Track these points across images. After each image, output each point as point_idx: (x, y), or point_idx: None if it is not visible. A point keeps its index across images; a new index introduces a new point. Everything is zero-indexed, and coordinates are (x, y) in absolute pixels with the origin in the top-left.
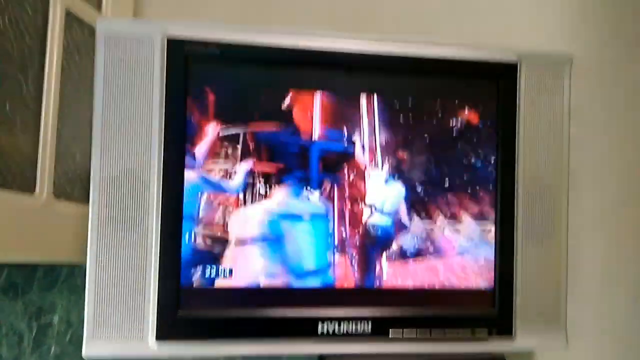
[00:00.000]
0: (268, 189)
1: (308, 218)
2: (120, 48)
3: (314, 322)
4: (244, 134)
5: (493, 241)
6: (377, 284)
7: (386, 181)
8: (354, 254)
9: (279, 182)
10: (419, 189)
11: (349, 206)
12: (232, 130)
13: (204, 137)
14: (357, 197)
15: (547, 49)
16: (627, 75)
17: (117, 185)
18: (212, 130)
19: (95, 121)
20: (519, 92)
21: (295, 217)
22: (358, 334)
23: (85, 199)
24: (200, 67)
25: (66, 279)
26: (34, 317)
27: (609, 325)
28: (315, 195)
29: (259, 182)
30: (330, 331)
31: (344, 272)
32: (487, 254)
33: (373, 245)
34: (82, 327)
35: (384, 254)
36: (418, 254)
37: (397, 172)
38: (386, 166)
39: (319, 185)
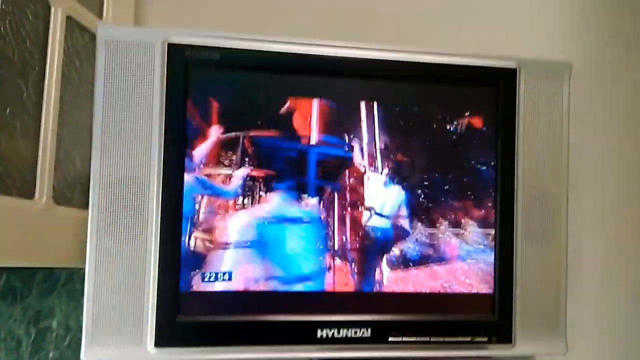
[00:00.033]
0: (266, 194)
1: (306, 222)
2: (120, 53)
3: (313, 327)
4: (243, 139)
5: (493, 246)
6: (377, 289)
7: (385, 185)
8: (353, 259)
9: (277, 186)
10: (419, 194)
11: (348, 211)
12: (231, 135)
13: (203, 142)
14: (356, 202)
15: (547, 56)
16: (627, 78)
17: (116, 190)
18: (211, 135)
19: (95, 126)
20: (518, 98)
21: (294, 222)
22: (357, 339)
23: (84, 204)
24: (200, 72)
25: (65, 283)
26: (33, 322)
27: (609, 326)
28: (313, 200)
29: (257, 186)
30: (330, 336)
31: (344, 277)
32: (487, 259)
33: (372, 250)
34: (81, 332)
35: (384, 259)
36: (418, 259)
37: (397, 177)
38: (385, 171)
39: (318, 190)
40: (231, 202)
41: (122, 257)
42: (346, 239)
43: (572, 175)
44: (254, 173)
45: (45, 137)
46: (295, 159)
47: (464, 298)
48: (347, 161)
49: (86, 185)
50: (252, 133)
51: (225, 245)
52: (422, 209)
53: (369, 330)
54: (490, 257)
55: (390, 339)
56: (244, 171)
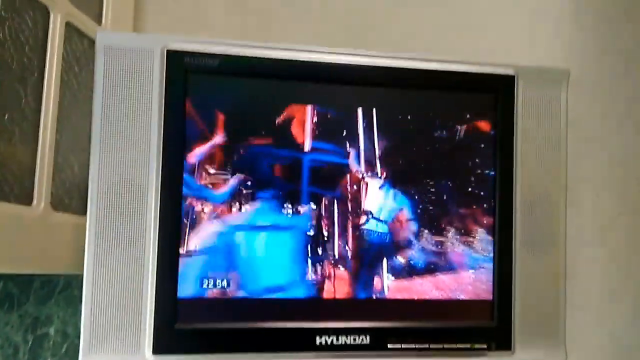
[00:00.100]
0: (259, 201)
1: (301, 229)
2: (119, 60)
3: (311, 334)
4: (241, 146)
5: (492, 254)
6: (376, 296)
7: (383, 192)
8: (351, 266)
9: (272, 194)
10: (417, 200)
11: (345, 218)
12: (229, 142)
13: (201, 148)
14: (354, 209)
15: (544, 64)
16: (624, 87)
17: (115, 196)
18: (209, 141)
19: (94, 132)
20: (516, 106)
21: (288, 229)
22: (356, 346)
23: (82, 210)
24: (199, 79)
25: (63, 290)
26: (30, 329)
27: (608, 335)
28: (309, 207)
29: (250, 193)
30: (328, 343)
31: (342, 284)
32: (486, 266)
33: (371, 256)
34: (79, 339)
35: (383, 266)
36: (418, 266)
37: (395, 184)
38: (383, 178)
39: (314, 197)
40: (224, 209)
41: (120, 264)
42: (344, 245)
43: (571, 184)
44: (249, 180)
45: (44, 143)
46: (291, 166)
47: (463, 304)
48: (344, 168)
49: (84, 191)
50: (250, 140)
51: (222, 252)
52: (420, 216)
53: (368, 337)
54: (490, 265)
55: (389, 345)
56: (238, 178)
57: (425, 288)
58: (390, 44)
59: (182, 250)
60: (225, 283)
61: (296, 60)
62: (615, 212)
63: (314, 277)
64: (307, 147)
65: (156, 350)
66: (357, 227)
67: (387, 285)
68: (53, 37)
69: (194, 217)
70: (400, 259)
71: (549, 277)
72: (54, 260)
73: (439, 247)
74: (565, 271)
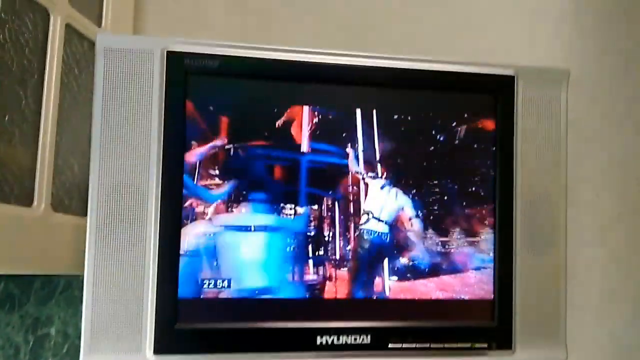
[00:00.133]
0: (256, 202)
1: (303, 230)
2: (120, 61)
3: (312, 334)
4: (241, 146)
5: (492, 254)
6: (376, 295)
7: (384, 193)
8: (352, 266)
9: (274, 194)
10: (417, 201)
11: (346, 219)
12: (229, 143)
13: (201, 149)
14: (354, 209)
15: (544, 64)
16: (624, 88)
17: (115, 197)
18: (209, 142)
19: (94, 133)
20: (516, 106)
21: (290, 229)
22: (357, 346)
23: (83, 211)
24: (199, 80)
25: (64, 290)
26: (31, 329)
27: (608, 335)
28: (311, 207)
29: (253, 193)
30: (329, 343)
31: (343, 284)
32: (487, 266)
33: (372, 257)
34: (80, 340)
35: (384, 266)
36: (418, 266)
37: (395, 184)
38: (383, 179)
39: (315, 198)
40: (224, 210)
41: (121, 264)
42: (344, 246)
43: (571, 184)
44: (249, 181)
45: (44, 145)
46: (291, 167)
47: (464, 304)
48: (343, 169)
49: (85, 192)
50: (250, 141)
51: (222, 252)
52: (420, 216)
53: (369, 336)
54: (490, 265)
55: (390, 345)
56: (237, 179)
57: (425, 288)
58: (390, 44)
59: (182, 251)
60: (225, 283)
61: (296, 62)
62: (615, 212)
63: (314, 277)
64: (307, 148)
65: (157, 350)
66: (357, 227)
67: (387, 285)
68: (53, 39)
69: (194, 218)
70: (401, 259)
71: (550, 276)
72: (55, 261)
73: (440, 247)
74: (565, 270)
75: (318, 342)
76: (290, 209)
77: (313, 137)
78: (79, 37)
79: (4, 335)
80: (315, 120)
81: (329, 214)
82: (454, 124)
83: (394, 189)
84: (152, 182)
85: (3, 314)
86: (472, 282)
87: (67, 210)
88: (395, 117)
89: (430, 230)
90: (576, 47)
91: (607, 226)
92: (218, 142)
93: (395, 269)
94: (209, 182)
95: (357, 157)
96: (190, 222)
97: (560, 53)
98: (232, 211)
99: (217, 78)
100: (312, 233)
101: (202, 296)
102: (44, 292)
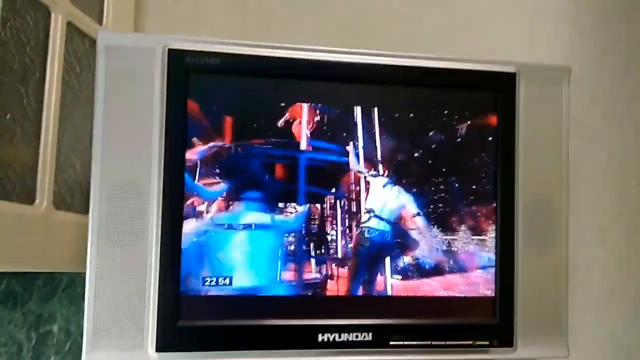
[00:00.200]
0: (264, 199)
1: (305, 228)
2: (121, 59)
3: (314, 331)
4: (242, 144)
5: (494, 252)
6: (378, 293)
7: (386, 191)
8: (354, 264)
9: (276, 192)
10: (419, 199)
11: (347, 217)
12: (230, 140)
13: (202, 147)
14: (356, 208)
15: (545, 62)
16: (625, 87)
17: (117, 194)
18: (210, 139)
19: (95, 131)
20: (517, 103)
21: (292, 227)
22: (358, 343)
23: (85, 208)
24: (200, 78)
25: (66, 288)
26: (34, 327)
27: (608, 335)
28: (312, 205)
29: (255, 191)
30: (331, 340)
31: (344, 282)
32: (489, 264)
33: (373, 255)
34: (82, 337)
35: (385, 264)
36: (420, 263)
37: (396, 182)
38: (385, 176)
39: (316, 196)
40: (225, 207)
41: (123, 262)
42: (346, 243)
43: (571, 184)
44: (250, 179)
45: (46, 143)
46: (291, 165)
47: (465, 301)
48: (344, 166)
49: (86, 190)
50: (251, 139)
51: (223, 250)
52: (421, 214)
53: (370, 334)
54: (492, 262)
55: (391, 342)
56: (239, 177)
57: (427, 285)
58: (390, 43)
59: (183, 249)
60: (227, 281)
61: (297, 59)
62: (615, 212)
63: (315, 275)
64: (308, 145)
65: (159, 347)
66: (358, 225)
67: (389, 282)
68: (54, 37)
69: (196, 216)
70: (403, 257)
71: (551, 274)
72: (57, 258)
73: (442, 245)
74: (567, 269)
75: (320, 339)
76: (292, 207)
77: (314, 135)
78: (80, 35)
79: (7, 333)
80: (316, 118)
81: (331, 212)
82: (455, 121)
83: (396, 187)
84: (154, 179)
85: (6, 312)
86: (474, 280)
87: (69, 208)
88: (396, 115)
89: (432, 229)
90: (576, 47)
91: (607, 226)
92: (219, 140)
93: (397, 266)
94: (209, 179)
95: (358, 155)
96: (192, 219)
97: (560, 53)
98: (233, 209)
99: (218, 76)
100: (314, 231)
101: (204, 294)
102: (46, 290)
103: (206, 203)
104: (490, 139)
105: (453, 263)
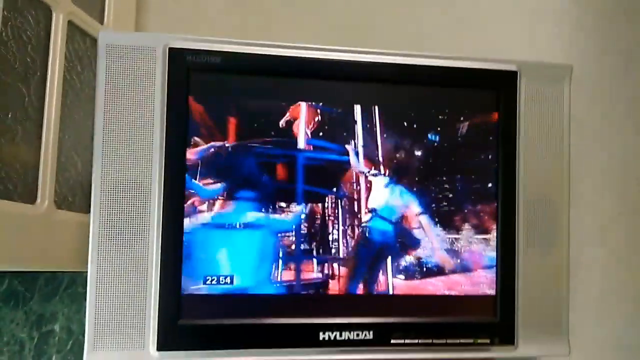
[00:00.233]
0: (263, 198)
1: (307, 227)
2: (122, 58)
3: (315, 329)
4: (244, 143)
5: (495, 250)
6: (379, 292)
7: (387, 189)
8: (355, 263)
9: (277, 191)
10: (421, 198)
11: (349, 216)
12: (232, 139)
13: (203, 146)
14: (357, 207)
15: (547, 59)
16: (626, 86)
17: (118, 194)
18: (211, 138)
19: (96, 130)
20: (519, 102)
21: (293, 226)
22: (359, 342)
23: (86, 208)
24: (201, 76)
25: (68, 287)
26: (36, 326)
27: (609, 335)
28: (313, 204)
29: (255, 190)
30: (332, 339)
31: (345, 281)
32: (490, 262)
33: (374, 254)
34: (84, 336)
35: (387, 263)
36: (421, 263)
37: (396, 181)
38: (387, 175)
39: (318, 195)
40: (225, 207)
41: (124, 261)
42: (347, 243)
43: (572, 183)
44: (252, 178)
45: (47, 142)
46: (292, 164)
47: (466, 300)
48: (345, 166)
49: (88, 189)
50: (252, 138)
51: (224, 248)
52: (423, 213)
53: (371, 332)
54: (493, 261)
55: (392, 341)
56: (240, 176)
57: (428, 284)
58: (391, 43)
59: (184, 248)
60: (228, 280)
61: (298, 58)
62: (615, 212)
63: (317, 274)
64: (308, 145)
65: (160, 346)
66: (360, 224)
67: (390, 281)
68: (55, 36)
69: (197, 215)
70: (404, 256)
71: (552, 273)
72: (58, 257)
73: (443, 244)
74: (568, 266)
75: (321, 338)
76: (293, 206)
77: (314, 134)
78: (82, 34)
79: (9, 332)
80: (317, 117)
81: (332, 211)
82: (456, 120)
83: (396, 186)
84: (155, 178)
85: (8, 311)
86: (475, 279)
87: (70, 207)
88: (397, 113)
89: (433, 228)
90: (576, 47)
91: (607, 226)
92: (220, 139)
93: (398, 265)
94: (210, 179)
95: (358, 155)
96: (193, 218)
97: (560, 52)
98: (233, 208)
99: (219, 74)
100: (315, 230)
101: (205, 293)
102: (48, 289)
103: (207, 202)
104: (491, 137)
105: (454, 262)
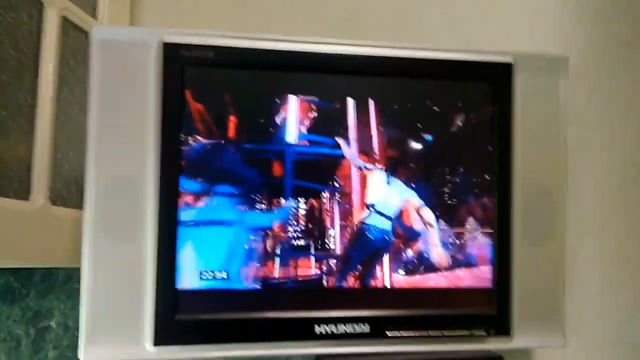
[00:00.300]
0: (258, 193)
1: (301, 222)
2: (115, 53)
3: (311, 323)
4: (239, 139)
5: (492, 243)
6: (375, 285)
7: (383, 183)
8: (350, 256)
9: (272, 186)
10: (416, 192)
11: (344, 210)
12: (226, 134)
13: (198, 141)
14: (353, 201)
15: (543, 51)
16: (625, 76)
17: (112, 189)
18: (206, 133)
19: (90, 126)
20: (514, 93)
21: (289, 221)
22: (356, 335)
23: (81, 204)
24: (195, 71)
25: (63, 283)
26: (32, 322)
27: (608, 325)
28: (309, 199)
29: (249, 186)
30: (328, 332)
31: (342, 275)
32: (487, 255)
33: (371, 248)
34: None
35: (383, 256)
36: (418, 256)
37: (391, 175)
38: (381, 170)
39: (314, 190)
40: (219, 202)
41: (119, 256)
42: (343, 237)
43: (571, 174)
44: (246, 173)
45: (41, 138)
46: (286, 159)
47: (463, 292)
48: (340, 160)
49: (82, 185)
50: (249, 133)
51: (220, 245)
52: (420, 207)
53: (368, 325)
54: (490, 253)
55: (388, 333)
56: (235, 171)
57: (425, 277)
58: (386, 32)
59: (180, 243)
60: (224, 274)
61: (293, 51)
62: (616, 202)
63: (313, 268)
64: (303, 139)
65: (157, 341)
66: (356, 218)
67: (386, 275)
68: (49, 32)
69: (191, 210)
70: (400, 249)
71: (549, 265)
72: (54, 253)
73: (439, 237)
74: (565, 259)
75: (317, 331)
76: (289, 201)
77: (310, 128)
78: (75, 30)
79: (5, 329)
80: (312, 111)
81: (329, 206)
82: (452, 113)
83: (392, 179)
84: (150, 173)
85: (4, 307)
86: (472, 271)
87: (65, 203)
88: (391, 106)
89: (430, 222)
90: (576, 41)
91: (608, 218)
92: (216, 134)
93: (395, 259)
94: (205, 174)
95: (354, 149)
96: (188, 213)
97: (559, 42)
98: (230, 203)
99: (214, 69)
100: (311, 225)
101: (201, 287)
102: (44, 285)
103: (202, 197)
104: (487, 130)
105: (450, 255)
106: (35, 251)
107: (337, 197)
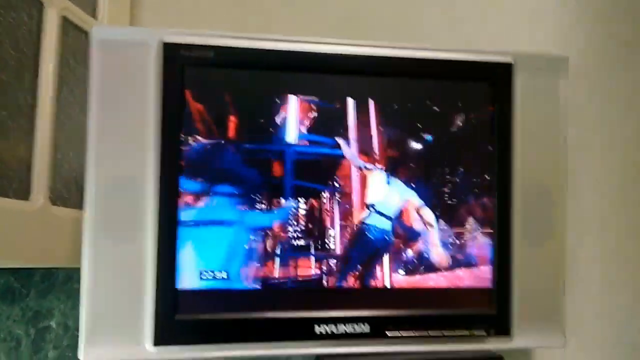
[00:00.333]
0: (258, 193)
1: (301, 222)
2: (115, 53)
3: (311, 323)
4: (239, 139)
5: (492, 243)
6: (375, 285)
7: (381, 183)
8: (350, 256)
9: (271, 186)
10: (415, 191)
11: (346, 210)
12: (226, 134)
13: (198, 141)
14: (353, 201)
15: (542, 51)
16: (625, 76)
17: (112, 189)
18: (205, 133)
19: (90, 126)
20: (514, 93)
21: (289, 221)
22: (356, 335)
23: (81, 204)
24: (195, 71)
25: (64, 283)
26: (32, 322)
27: (608, 325)
28: (309, 200)
29: (250, 186)
30: (328, 332)
31: (342, 275)
32: (487, 255)
33: (371, 248)
34: None
35: (383, 256)
36: (418, 256)
37: (391, 175)
38: (381, 171)
39: (314, 190)
40: (218, 203)
41: (119, 256)
42: (343, 237)
43: (571, 174)
44: (245, 173)
45: (41, 138)
46: (286, 159)
47: (463, 292)
48: (341, 160)
49: (82, 185)
50: (249, 132)
51: (220, 244)
52: (420, 207)
53: (368, 325)
54: (490, 253)
55: (389, 334)
56: (234, 171)
57: (425, 277)
58: (386, 32)
59: (180, 243)
60: (224, 274)
61: (293, 51)
62: (616, 202)
63: (313, 268)
64: (304, 139)
65: (157, 341)
66: (356, 218)
67: (386, 275)
68: (49, 32)
69: (191, 210)
70: (400, 250)
71: (549, 265)
72: (54, 253)
73: (439, 237)
74: (565, 260)
75: (317, 331)
76: (289, 201)
77: (310, 128)
78: (75, 30)
79: (6, 329)
80: (312, 111)
81: (329, 206)
82: (452, 113)
83: (392, 180)
84: (150, 172)
85: (4, 307)
86: (472, 271)
87: (65, 203)
88: (391, 107)
89: (430, 221)
90: (576, 37)
91: (608, 217)
92: (216, 134)
93: (395, 259)
94: (205, 174)
95: (354, 149)
96: (188, 213)
97: (559, 42)
98: (230, 204)
99: (214, 69)
100: (311, 225)
101: (201, 287)
102: (44, 285)
103: (202, 197)
104: (487, 130)
105: (450, 255)
106: (35, 251)
107: (337, 197)
